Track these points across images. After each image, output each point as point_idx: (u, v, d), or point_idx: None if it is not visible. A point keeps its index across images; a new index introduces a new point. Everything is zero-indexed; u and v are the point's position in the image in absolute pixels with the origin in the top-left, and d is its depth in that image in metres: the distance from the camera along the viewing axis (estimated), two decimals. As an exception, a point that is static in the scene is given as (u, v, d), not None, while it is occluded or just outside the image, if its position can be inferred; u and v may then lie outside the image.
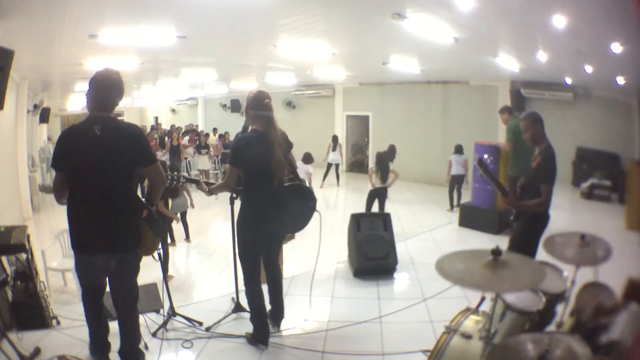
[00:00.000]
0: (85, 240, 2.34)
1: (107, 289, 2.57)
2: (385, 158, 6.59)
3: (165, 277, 3.44)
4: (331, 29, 5.50)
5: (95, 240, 2.31)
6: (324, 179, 10.73)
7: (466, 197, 7.33)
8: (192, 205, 6.79)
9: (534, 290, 2.18)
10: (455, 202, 8.01)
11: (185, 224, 6.50)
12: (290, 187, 3.03)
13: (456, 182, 8.07)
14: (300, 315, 3.45)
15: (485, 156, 6.10)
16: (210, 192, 3.00)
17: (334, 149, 10.90)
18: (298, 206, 3.07)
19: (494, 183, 3.02)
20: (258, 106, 2.83)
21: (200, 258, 6.07)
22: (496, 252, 1.72)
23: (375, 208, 6.55)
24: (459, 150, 8.12)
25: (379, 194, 6.51)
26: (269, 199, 2.82)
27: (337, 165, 10.98)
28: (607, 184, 8.13)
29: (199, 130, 16.00)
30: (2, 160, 6.24)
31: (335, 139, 11.12)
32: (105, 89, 2.36)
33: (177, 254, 6.27)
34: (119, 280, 2.48)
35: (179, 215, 6.03)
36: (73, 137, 2.33)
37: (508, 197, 2.99)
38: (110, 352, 2.67)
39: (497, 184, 3.01)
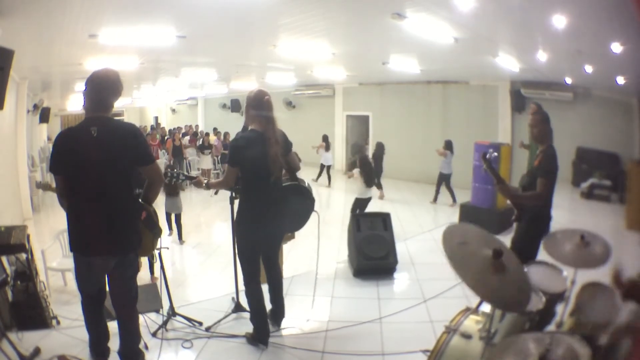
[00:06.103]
0: (85, 242, 2.31)
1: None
2: (368, 162, 6.38)
3: (165, 278, 3.43)
4: (331, 29, 5.49)
5: (95, 242, 2.29)
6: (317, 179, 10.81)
7: (466, 196, 7.32)
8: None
9: (534, 290, 2.18)
10: (451, 199, 8.12)
11: (180, 225, 6.53)
12: (289, 186, 3.03)
13: (447, 180, 8.13)
14: (301, 315, 3.45)
15: (490, 150, 6.04)
16: (207, 186, 2.99)
17: (327, 149, 10.86)
18: (296, 205, 3.07)
19: (492, 174, 3.00)
20: (258, 105, 2.81)
21: (200, 258, 6.07)
22: (497, 254, 1.71)
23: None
24: (451, 147, 8.16)
25: (362, 203, 6.28)
26: (268, 198, 2.82)
27: (329, 167, 10.94)
28: (607, 184, 8.12)
29: (199, 130, 16.02)
30: (2, 160, 6.24)
31: (325, 138, 11.01)
32: (101, 89, 2.31)
33: (177, 254, 6.27)
34: (118, 281, 2.46)
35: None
36: (70, 139, 2.29)
37: (503, 185, 2.97)
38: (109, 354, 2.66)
39: (495, 175, 2.99)
